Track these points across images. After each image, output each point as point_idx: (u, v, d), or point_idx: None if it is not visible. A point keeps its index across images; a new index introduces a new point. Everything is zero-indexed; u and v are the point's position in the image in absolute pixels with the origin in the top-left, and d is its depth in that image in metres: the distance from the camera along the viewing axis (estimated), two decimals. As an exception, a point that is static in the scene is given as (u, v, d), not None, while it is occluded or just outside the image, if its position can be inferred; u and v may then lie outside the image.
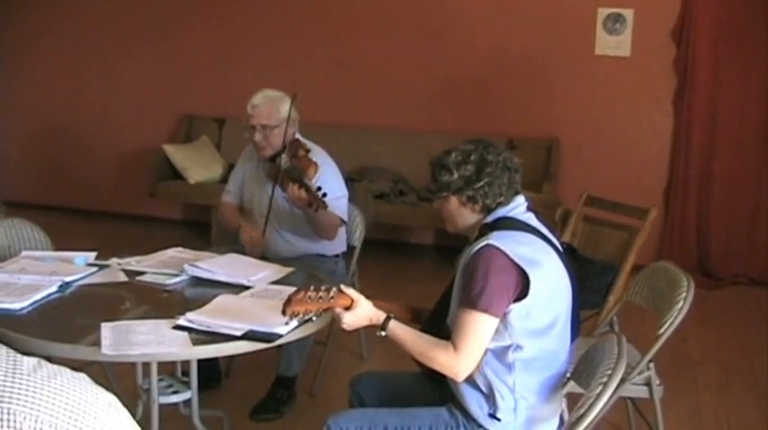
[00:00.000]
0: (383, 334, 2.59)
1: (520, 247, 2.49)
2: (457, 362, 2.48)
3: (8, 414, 1.28)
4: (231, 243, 4.26)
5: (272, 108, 4.17)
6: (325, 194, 3.82)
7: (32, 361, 1.37)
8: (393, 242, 7.23)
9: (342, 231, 4.33)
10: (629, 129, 6.74)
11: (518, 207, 2.65)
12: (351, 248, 4.49)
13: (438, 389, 2.73)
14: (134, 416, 3.30)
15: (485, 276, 2.44)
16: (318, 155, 4.20)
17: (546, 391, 2.58)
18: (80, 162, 8.15)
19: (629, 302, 3.61)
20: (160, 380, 3.33)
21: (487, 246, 2.49)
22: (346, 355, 4.81)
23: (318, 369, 4.43)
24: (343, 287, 2.62)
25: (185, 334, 2.75)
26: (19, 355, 1.37)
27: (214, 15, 7.57)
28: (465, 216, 2.68)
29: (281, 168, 4.05)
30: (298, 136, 4.25)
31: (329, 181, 4.13)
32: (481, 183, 2.61)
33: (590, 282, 3.98)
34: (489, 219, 2.64)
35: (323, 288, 2.56)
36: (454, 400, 2.65)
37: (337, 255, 4.38)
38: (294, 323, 2.70)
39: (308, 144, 4.21)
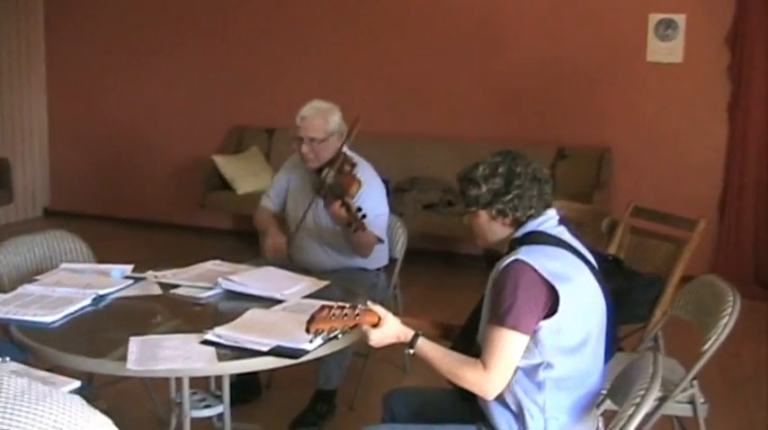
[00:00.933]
0: (411, 352, 2.54)
1: (549, 262, 2.42)
2: (486, 380, 2.41)
3: None
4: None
5: (321, 120, 4.13)
6: (364, 216, 3.79)
7: (21, 383, 1.35)
8: (442, 253, 7.17)
9: (383, 245, 4.29)
10: (682, 138, 6.58)
11: (549, 220, 2.58)
12: (393, 260, 4.44)
13: (470, 407, 2.66)
14: (168, 428, 3.30)
15: (513, 292, 2.38)
16: (363, 169, 4.17)
17: (578, 411, 2.49)
18: (133, 173, 8.26)
19: (675, 316, 3.50)
20: (193, 393, 3.32)
21: (516, 261, 2.42)
22: (389, 368, 4.75)
23: (360, 382, 4.38)
24: (370, 304, 2.58)
25: (212, 349, 2.73)
26: (6, 378, 1.35)
27: (265, 27, 7.61)
28: (495, 230, 2.62)
29: (325, 182, 4.03)
30: (345, 149, 4.21)
31: (370, 198, 4.10)
32: (510, 195, 2.55)
33: (636, 295, 3.87)
34: (519, 233, 2.57)
35: (347, 305, 2.52)
36: (484, 419, 2.58)
37: (379, 269, 4.34)
38: (319, 340, 2.65)
39: (355, 158, 4.18)
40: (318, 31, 7.44)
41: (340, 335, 2.58)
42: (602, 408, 2.79)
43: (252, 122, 7.72)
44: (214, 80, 7.83)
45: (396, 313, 4.38)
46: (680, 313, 3.46)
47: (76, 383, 2.36)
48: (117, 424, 4.04)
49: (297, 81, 7.33)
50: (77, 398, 1.37)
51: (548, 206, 2.60)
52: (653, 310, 3.89)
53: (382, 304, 4.17)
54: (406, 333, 2.55)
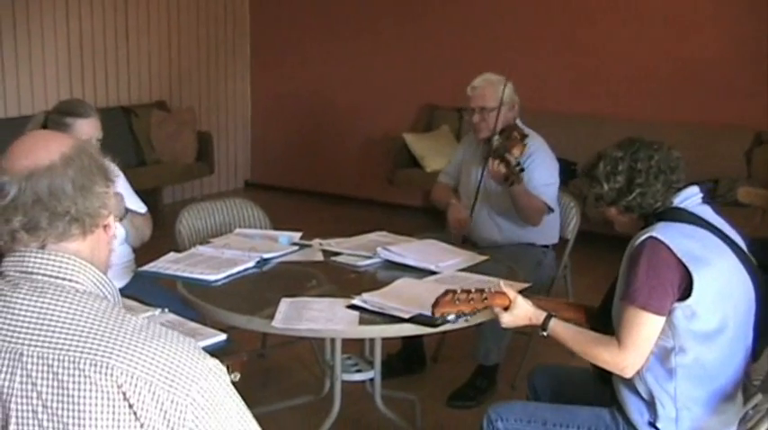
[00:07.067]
0: (545, 334, 2.53)
1: (686, 242, 2.34)
2: (622, 358, 2.37)
3: (107, 368, 1.40)
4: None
5: (491, 90, 4.22)
6: (522, 169, 3.83)
7: (141, 321, 1.47)
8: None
9: (554, 221, 4.28)
10: None
11: (690, 198, 2.48)
12: (565, 241, 4.40)
13: (610, 389, 2.61)
14: (322, 390, 3.44)
15: (645, 271, 2.33)
16: (534, 141, 4.19)
17: (714, 402, 2.40)
18: (326, 148, 8.54)
19: None
20: (347, 358, 3.44)
21: (650, 238, 2.36)
22: (554, 348, 4.68)
23: (523, 360, 4.36)
24: (503, 284, 2.60)
25: (356, 313, 2.82)
26: (128, 315, 1.48)
27: (459, 8, 7.64)
28: (626, 223, 2.59)
29: (492, 147, 4.08)
30: (517, 121, 4.25)
31: (539, 167, 4.12)
32: (633, 194, 2.48)
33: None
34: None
35: (473, 289, 2.53)
36: (619, 404, 2.53)
37: (547, 246, 4.31)
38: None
39: (527, 130, 4.20)
40: (511, 15, 7.39)
41: (469, 318, 2.61)
42: (752, 403, 2.66)
43: (443, 101, 7.78)
44: (408, 59, 7.95)
45: (565, 296, 4.37)
46: None
47: (222, 336, 2.51)
48: (283, 384, 4.25)
49: (487, 62, 7.26)
50: (192, 340, 1.48)
51: (679, 190, 2.48)
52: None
53: (548, 283, 4.20)
54: (537, 315, 2.55)
